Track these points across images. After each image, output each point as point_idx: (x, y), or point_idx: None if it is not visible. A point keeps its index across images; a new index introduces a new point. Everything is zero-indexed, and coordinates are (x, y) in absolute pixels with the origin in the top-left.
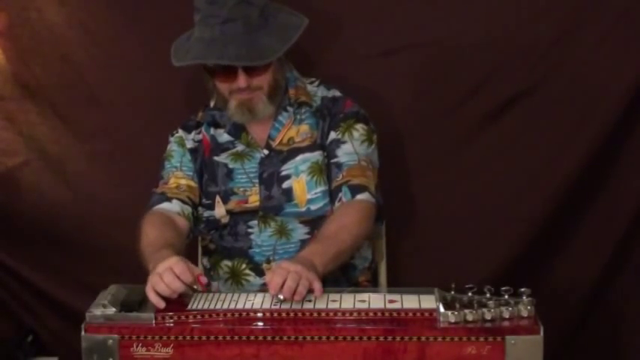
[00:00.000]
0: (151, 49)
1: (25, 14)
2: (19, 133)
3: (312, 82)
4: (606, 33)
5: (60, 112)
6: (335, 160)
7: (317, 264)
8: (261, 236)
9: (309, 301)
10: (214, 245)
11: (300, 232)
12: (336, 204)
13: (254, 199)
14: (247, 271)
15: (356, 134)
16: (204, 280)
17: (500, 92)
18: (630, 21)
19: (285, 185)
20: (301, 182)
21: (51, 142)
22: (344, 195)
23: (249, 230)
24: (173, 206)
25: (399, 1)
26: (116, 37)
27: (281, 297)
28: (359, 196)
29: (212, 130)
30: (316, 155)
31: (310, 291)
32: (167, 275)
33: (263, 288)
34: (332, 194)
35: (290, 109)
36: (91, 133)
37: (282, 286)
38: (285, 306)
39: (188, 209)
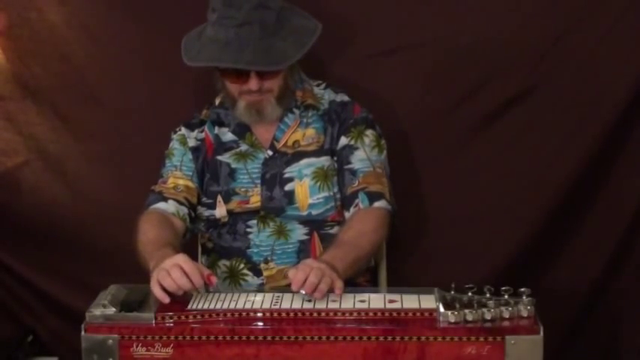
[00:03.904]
0: (151, 49)
1: (25, 14)
2: (19, 133)
3: (318, 85)
4: (606, 33)
5: (60, 112)
6: (349, 166)
7: (338, 267)
8: (259, 236)
9: (334, 300)
10: (212, 244)
11: (299, 232)
12: (352, 210)
13: (255, 200)
14: (245, 271)
15: (367, 140)
16: (214, 279)
17: (500, 92)
18: (630, 21)
19: (287, 188)
20: (304, 186)
21: (51, 142)
22: (361, 201)
23: (248, 230)
24: (169, 207)
25: (399, 1)
26: (116, 37)
27: (303, 292)
28: (376, 204)
29: (216, 129)
30: (322, 160)
31: (330, 290)
32: (175, 271)
33: (261, 287)
34: (345, 200)
35: (296, 111)
36: (91, 133)
37: (304, 282)
38: (286, 305)
39: (184, 210)
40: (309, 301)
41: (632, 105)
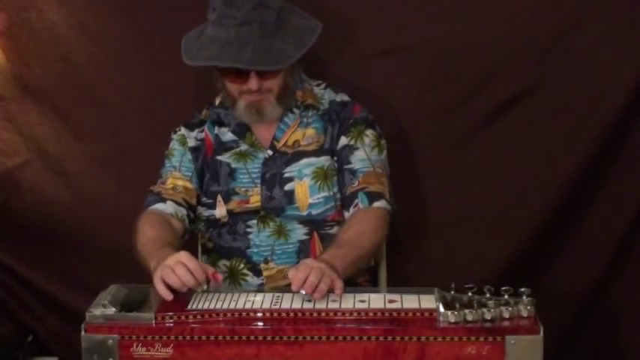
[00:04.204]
0: (151, 49)
1: (25, 14)
2: (19, 133)
3: (318, 85)
4: (606, 33)
5: (60, 112)
6: (349, 166)
7: (338, 267)
8: (259, 236)
9: (334, 300)
10: (212, 244)
11: (299, 232)
12: (351, 210)
13: (255, 200)
14: (245, 271)
15: (367, 140)
16: (220, 277)
17: (501, 92)
18: (630, 21)
19: (287, 187)
20: (304, 186)
21: (51, 142)
22: (360, 201)
23: (248, 230)
24: (167, 207)
25: (399, 1)
26: (116, 37)
27: (303, 292)
28: (376, 204)
29: (216, 129)
30: (322, 160)
31: (330, 290)
32: (179, 268)
33: (261, 287)
34: (345, 200)
35: (296, 110)
36: (91, 133)
37: (304, 282)
38: (286, 305)
39: (182, 211)
40: (309, 301)
41: (632, 105)
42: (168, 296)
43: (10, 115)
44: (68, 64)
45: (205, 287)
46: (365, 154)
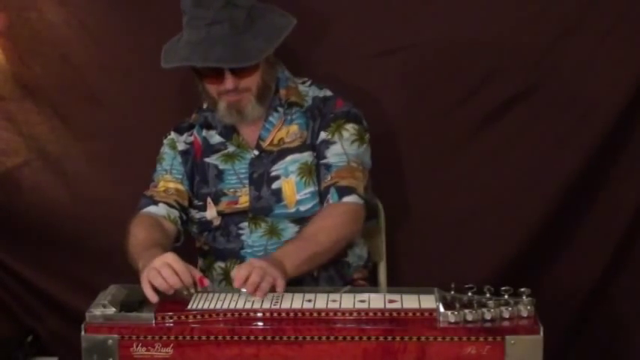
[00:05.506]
0: (150, 49)
1: (25, 14)
2: (19, 133)
3: (303, 82)
4: (606, 33)
5: (60, 112)
6: (324, 160)
7: (287, 264)
8: (251, 237)
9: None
10: (208, 247)
11: (291, 231)
12: (325, 205)
13: (244, 200)
14: None
15: (346, 134)
16: (206, 282)
17: (500, 92)
18: (630, 21)
19: (274, 186)
20: (290, 183)
21: (51, 142)
22: (331, 196)
23: (240, 232)
24: (159, 210)
25: (398, 1)
26: (116, 37)
27: (244, 290)
28: (346, 198)
29: (204, 132)
30: (305, 156)
31: (272, 290)
32: (165, 270)
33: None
34: (321, 195)
35: (280, 109)
36: (91, 133)
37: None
38: (286, 305)
39: (175, 213)
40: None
41: (632, 105)
42: (153, 298)
43: (10, 115)
44: (68, 64)
45: (192, 291)
46: (342, 149)
